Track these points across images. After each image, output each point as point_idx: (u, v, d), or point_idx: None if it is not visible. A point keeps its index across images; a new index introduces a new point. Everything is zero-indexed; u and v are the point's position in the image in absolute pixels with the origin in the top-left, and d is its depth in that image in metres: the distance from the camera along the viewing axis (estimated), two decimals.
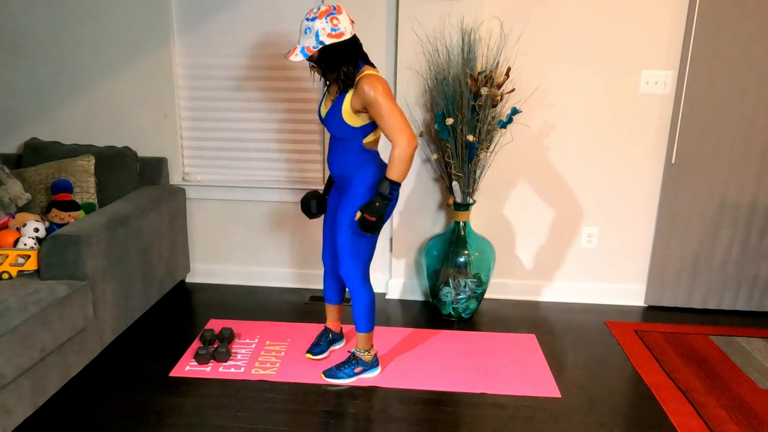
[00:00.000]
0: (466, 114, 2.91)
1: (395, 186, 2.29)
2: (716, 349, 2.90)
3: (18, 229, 2.65)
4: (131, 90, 3.34)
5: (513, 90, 3.00)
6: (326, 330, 2.81)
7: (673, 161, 3.16)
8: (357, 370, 2.59)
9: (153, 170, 3.32)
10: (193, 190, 3.48)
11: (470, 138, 2.89)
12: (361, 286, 2.49)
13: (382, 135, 2.36)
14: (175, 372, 2.63)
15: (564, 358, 2.81)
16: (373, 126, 2.36)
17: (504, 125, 2.95)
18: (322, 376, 2.59)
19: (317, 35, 2.21)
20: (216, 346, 2.76)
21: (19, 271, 2.49)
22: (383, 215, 2.31)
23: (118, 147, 3.31)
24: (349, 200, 2.41)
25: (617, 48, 3.09)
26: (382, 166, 2.44)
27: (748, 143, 3.10)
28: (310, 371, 2.64)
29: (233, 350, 2.82)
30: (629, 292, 3.43)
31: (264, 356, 2.77)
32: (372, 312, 2.54)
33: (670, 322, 3.20)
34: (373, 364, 2.62)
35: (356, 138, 2.36)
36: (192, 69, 3.32)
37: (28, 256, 2.50)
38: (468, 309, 3.16)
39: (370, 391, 2.51)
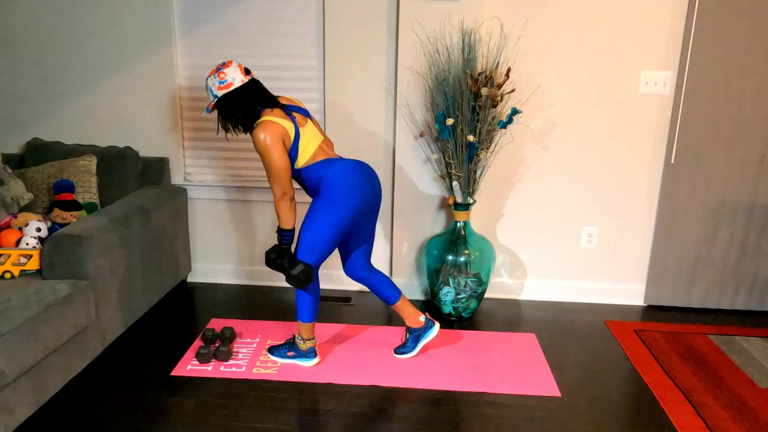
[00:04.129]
0: (466, 114, 2.93)
1: (283, 232, 2.49)
2: (715, 349, 2.91)
3: (20, 229, 2.66)
4: (133, 90, 3.35)
5: (513, 90, 3.01)
6: (408, 329, 2.80)
7: (672, 161, 3.17)
8: (289, 354, 2.72)
9: (155, 170, 3.33)
10: (195, 190, 3.49)
11: (470, 138, 2.90)
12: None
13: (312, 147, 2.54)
14: (177, 371, 2.64)
15: (564, 357, 2.82)
16: (294, 151, 2.45)
17: (504, 125, 2.96)
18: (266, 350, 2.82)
19: (211, 91, 2.46)
20: (217, 345, 2.77)
21: (22, 271, 2.51)
22: (272, 259, 2.55)
23: (120, 147, 3.33)
24: (316, 200, 2.50)
25: (617, 48, 3.10)
26: (340, 167, 2.48)
27: (747, 143, 3.11)
28: (311, 371, 2.65)
29: (234, 349, 2.83)
30: (629, 291, 3.44)
31: (265, 355, 2.78)
32: (313, 304, 2.61)
33: (669, 322, 3.21)
34: (308, 354, 2.68)
35: (291, 166, 2.48)
36: (193, 69, 3.34)
37: (31, 256, 2.51)
38: (468, 308, 3.17)
39: (370, 391, 2.52)
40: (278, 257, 2.54)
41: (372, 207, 2.57)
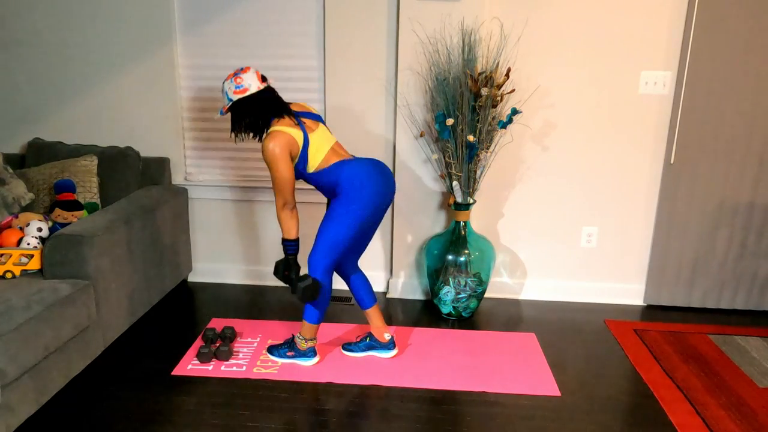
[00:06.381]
0: (466, 114, 2.93)
1: (287, 242, 2.51)
2: (715, 348, 2.91)
3: (21, 229, 2.67)
4: (134, 90, 3.36)
5: (513, 90, 3.01)
6: (369, 334, 2.82)
7: (671, 161, 3.17)
8: (289, 354, 2.73)
9: (155, 170, 3.34)
10: (196, 190, 3.49)
11: (470, 138, 2.91)
12: (321, 278, 2.54)
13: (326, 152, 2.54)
14: (177, 371, 2.64)
15: (563, 357, 2.83)
16: (303, 157, 2.46)
17: (504, 125, 2.97)
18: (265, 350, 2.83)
19: (226, 94, 2.48)
20: (218, 345, 2.78)
21: (23, 271, 2.51)
22: (279, 269, 2.56)
23: (121, 147, 3.33)
24: (335, 201, 2.50)
25: (616, 49, 3.10)
26: (356, 167, 2.48)
27: (747, 143, 3.11)
28: (312, 370, 2.66)
29: (235, 349, 2.84)
30: (628, 291, 3.44)
31: (265, 355, 2.79)
32: (323, 306, 2.61)
33: (669, 321, 3.21)
34: (307, 354, 2.70)
35: (303, 172, 2.50)
36: (194, 69, 3.34)
37: (32, 256, 2.51)
38: (468, 308, 3.17)
39: (371, 390, 2.52)
40: (286, 269, 2.56)
41: (387, 205, 2.57)
